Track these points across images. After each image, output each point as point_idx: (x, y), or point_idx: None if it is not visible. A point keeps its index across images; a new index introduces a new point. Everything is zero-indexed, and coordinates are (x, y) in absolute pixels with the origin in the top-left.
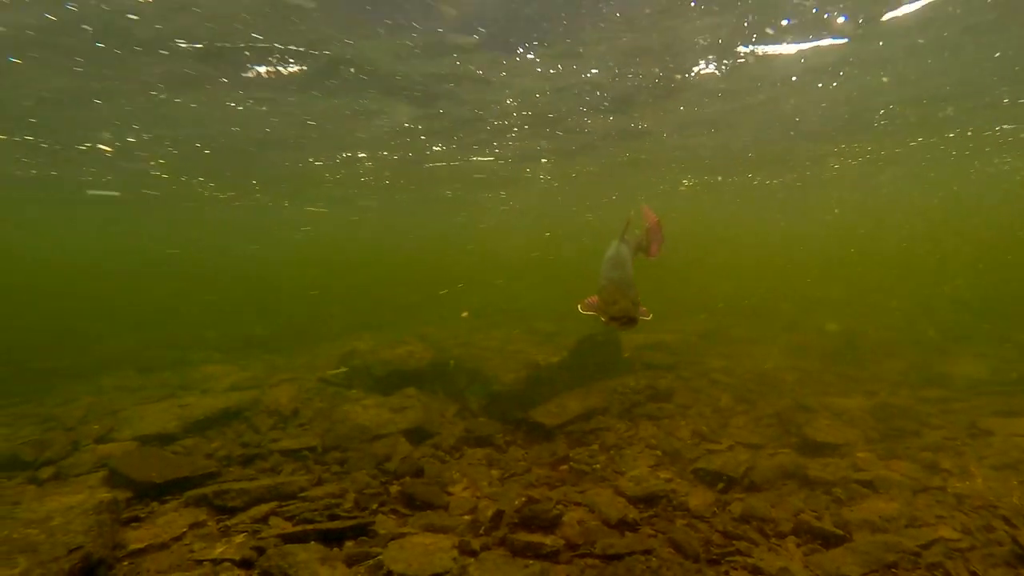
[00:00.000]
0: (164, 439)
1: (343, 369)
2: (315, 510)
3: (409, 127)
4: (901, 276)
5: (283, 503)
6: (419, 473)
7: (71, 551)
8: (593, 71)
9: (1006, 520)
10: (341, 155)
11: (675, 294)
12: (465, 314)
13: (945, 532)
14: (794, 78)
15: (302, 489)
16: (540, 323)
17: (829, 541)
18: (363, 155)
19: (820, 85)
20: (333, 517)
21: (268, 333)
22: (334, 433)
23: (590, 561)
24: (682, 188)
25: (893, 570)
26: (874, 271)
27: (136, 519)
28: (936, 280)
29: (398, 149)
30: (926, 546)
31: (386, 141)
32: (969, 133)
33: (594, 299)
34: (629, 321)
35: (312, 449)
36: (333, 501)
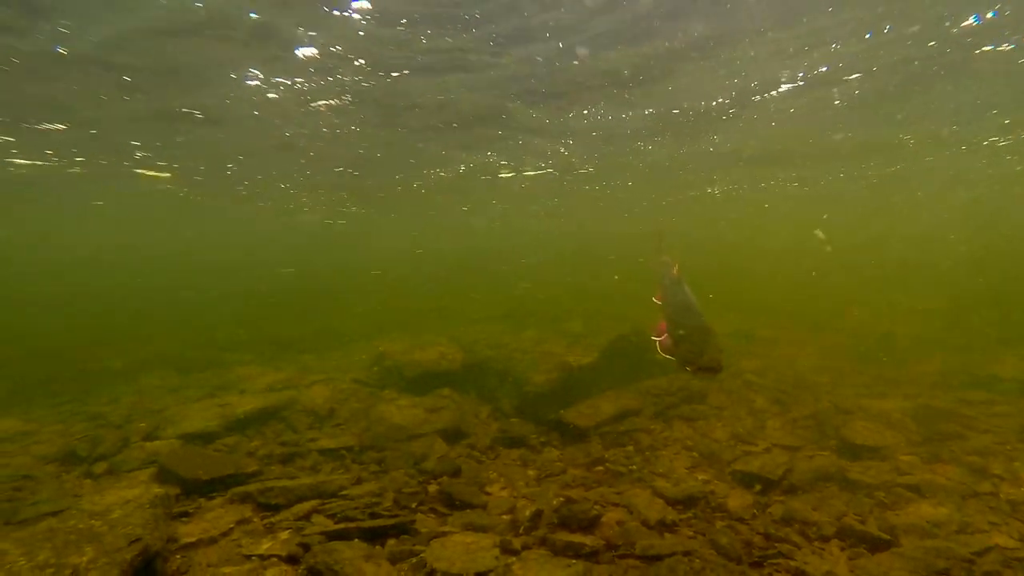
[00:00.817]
0: (207, 437)
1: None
2: (356, 508)
3: None
4: (931, 277)
5: (325, 501)
6: (457, 473)
7: (131, 542)
8: None
9: None
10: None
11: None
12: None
13: (1000, 540)
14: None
15: (342, 488)
16: (569, 324)
17: (875, 545)
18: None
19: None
20: (374, 515)
21: (297, 334)
22: (371, 432)
23: (631, 562)
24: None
25: None
26: (903, 272)
27: (185, 514)
28: (969, 281)
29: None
30: (980, 553)
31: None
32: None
33: (666, 338)
34: (717, 369)
35: (350, 448)
36: (373, 500)
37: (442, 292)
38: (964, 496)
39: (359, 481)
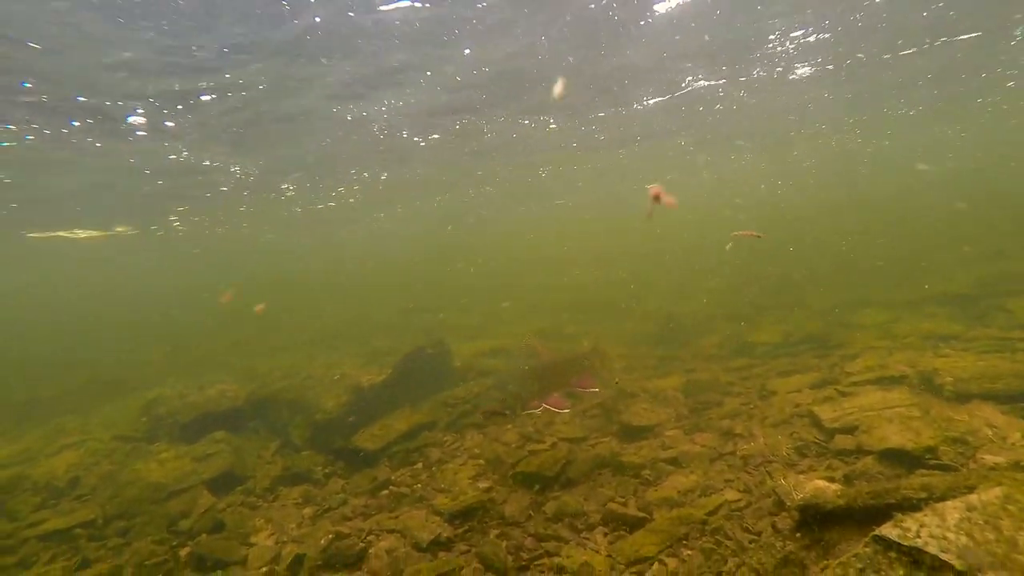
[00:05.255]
0: None
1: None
2: None
3: None
4: (709, 260)
5: None
6: (218, 528)
7: None
8: None
9: (772, 474)
10: None
11: (511, 300)
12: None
13: (730, 495)
14: None
15: None
16: (378, 341)
17: (633, 525)
18: None
19: None
20: None
21: (59, 391)
22: (120, 498)
23: None
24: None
25: (684, 542)
26: (689, 257)
27: None
28: (739, 260)
29: None
30: (712, 512)
31: None
32: None
33: None
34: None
35: (90, 523)
36: None
37: (242, 325)
38: (712, 460)
39: (85, 565)
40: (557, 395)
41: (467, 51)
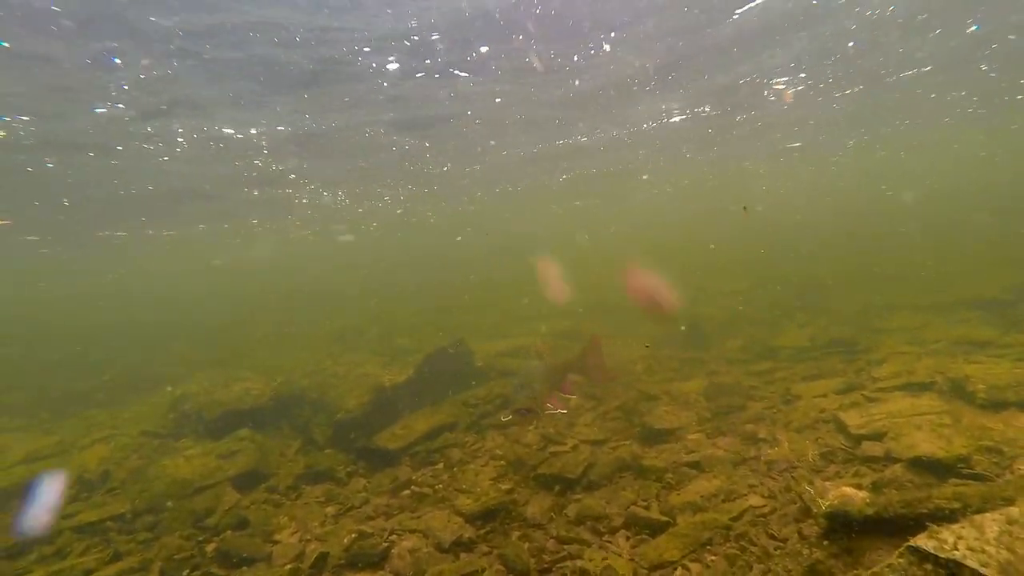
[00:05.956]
0: None
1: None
2: None
3: None
4: (735, 264)
5: None
6: (243, 525)
7: None
8: None
9: (797, 479)
10: None
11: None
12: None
13: (754, 500)
14: None
15: (89, 572)
16: (402, 340)
17: (656, 529)
18: None
19: None
20: None
21: (90, 385)
22: (148, 493)
23: None
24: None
25: (708, 547)
26: (713, 262)
27: None
28: (765, 265)
29: None
30: (737, 518)
31: None
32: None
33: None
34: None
35: (119, 517)
36: None
37: (265, 323)
38: (735, 464)
39: (117, 558)
40: (565, 393)
41: None
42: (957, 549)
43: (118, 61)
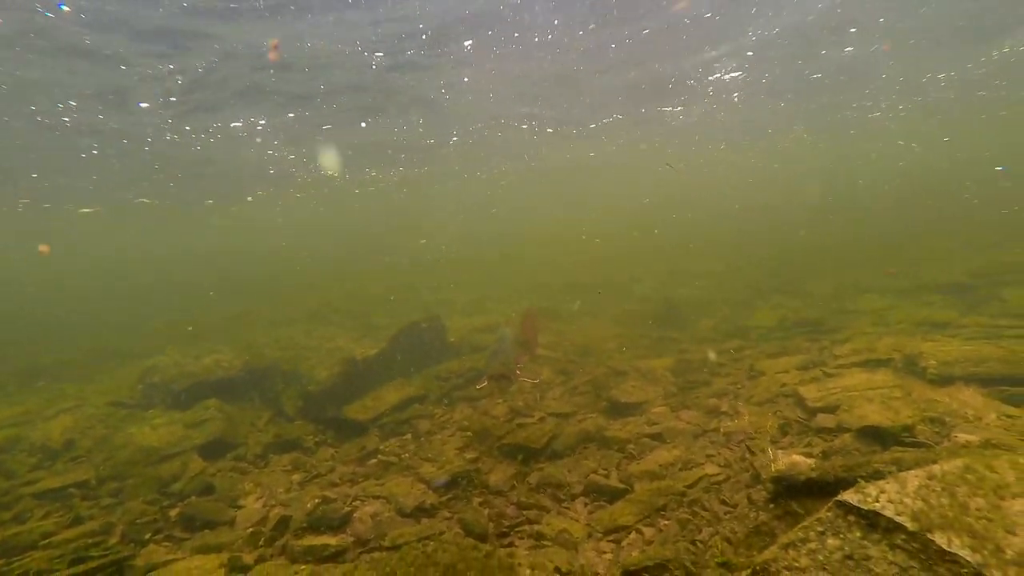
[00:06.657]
0: None
1: None
2: (58, 557)
3: None
4: (713, 246)
5: (9, 560)
6: (208, 491)
7: None
8: None
9: (752, 450)
10: None
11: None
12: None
13: (710, 469)
14: None
15: (48, 535)
16: (377, 317)
17: (613, 496)
18: None
19: None
20: (79, 560)
21: (62, 358)
22: (113, 461)
23: (376, 555)
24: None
25: (662, 513)
26: (691, 242)
27: None
28: (740, 247)
29: None
30: (692, 485)
31: None
32: None
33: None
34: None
35: (83, 484)
36: (91, 541)
37: (245, 297)
38: (696, 436)
39: (78, 521)
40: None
41: None
42: (878, 501)
43: None
